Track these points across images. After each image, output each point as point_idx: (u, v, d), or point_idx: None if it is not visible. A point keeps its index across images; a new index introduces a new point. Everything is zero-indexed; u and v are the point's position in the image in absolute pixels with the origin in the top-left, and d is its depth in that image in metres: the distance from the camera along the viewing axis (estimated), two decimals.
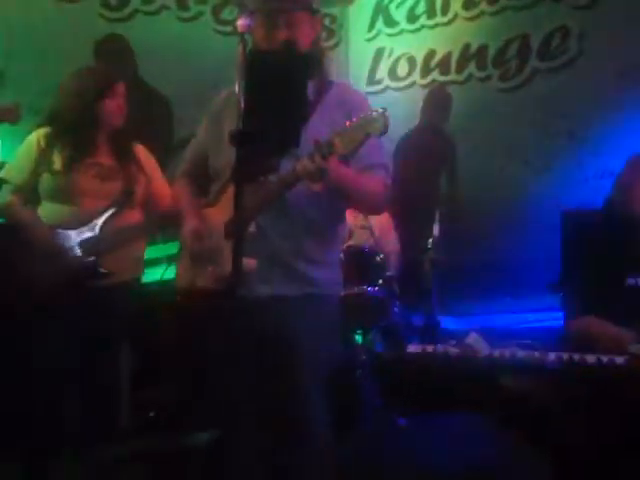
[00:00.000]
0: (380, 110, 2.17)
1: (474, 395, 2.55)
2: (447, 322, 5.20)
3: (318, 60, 2.44)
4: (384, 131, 2.17)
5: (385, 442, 3.70)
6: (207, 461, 3.17)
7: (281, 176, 2.28)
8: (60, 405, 3.19)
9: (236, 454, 2.43)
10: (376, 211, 2.84)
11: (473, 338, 2.53)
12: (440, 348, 2.61)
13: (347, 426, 3.55)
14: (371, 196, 2.46)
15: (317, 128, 2.29)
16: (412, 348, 2.59)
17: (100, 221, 3.19)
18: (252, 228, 2.29)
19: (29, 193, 3.25)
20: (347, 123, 2.17)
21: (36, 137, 3.24)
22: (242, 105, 1.92)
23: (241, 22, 2.11)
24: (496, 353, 2.54)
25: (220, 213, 2.43)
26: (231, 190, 2.36)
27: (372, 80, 5.93)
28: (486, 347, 2.53)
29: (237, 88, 2.48)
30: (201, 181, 2.66)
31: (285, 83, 1.81)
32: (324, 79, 2.50)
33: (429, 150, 5.54)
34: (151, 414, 4.22)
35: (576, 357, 2.53)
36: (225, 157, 2.42)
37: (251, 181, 1.93)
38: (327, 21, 5.85)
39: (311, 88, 2.36)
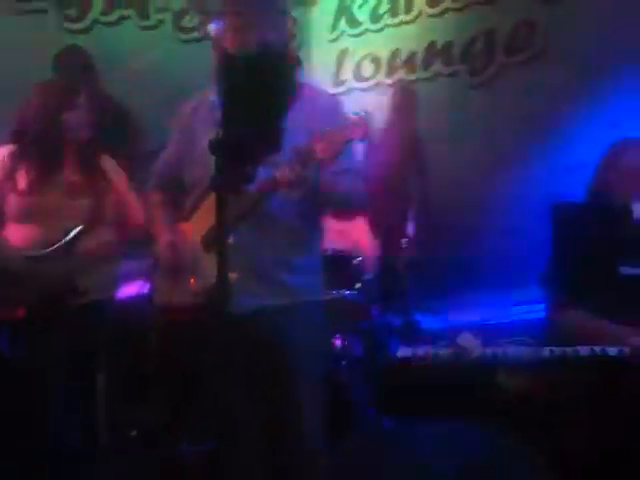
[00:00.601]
0: (362, 114, 2.11)
1: (469, 396, 2.50)
2: (426, 321, 5.19)
3: (296, 61, 2.38)
4: (366, 136, 2.12)
5: (375, 446, 3.66)
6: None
7: (259, 185, 2.22)
8: (39, 424, 3.11)
9: (224, 468, 2.37)
10: (349, 216, 2.80)
11: (465, 338, 2.49)
12: (430, 350, 2.57)
13: (336, 431, 3.51)
14: (345, 202, 2.41)
15: (293, 133, 2.24)
16: (402, 352, 2.55)
17: (70, 240, 3.10)
18: (231, 239, 2.23)
19: None
20: (327, 128, 2.11)
21: (0, 156, 3.15)
22: (219, 111, 1.85)
23: (212, 26, 2.06)
24: (489, 352, 2.51)
25: (197, 226, 2.37)
26: (207, 203, 2.32)
27: (337, 81, 5.90)
28: (478, 346, 2.49)
29: (212, 94, 2.44)
30: (173, 194, 2.60)
31: (263, 86, 1.75)
32: (296, 80, 2.44)
33: (398, 150, 5.50)
34: (132, 433, 4.15)
35: (569, 350, 2.50)
36: (199, 169, 2.36)
37: (230, 191, 1.87)
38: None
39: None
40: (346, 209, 2.56)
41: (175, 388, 3.76)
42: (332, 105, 2.45)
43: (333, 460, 2.81)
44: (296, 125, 2.28)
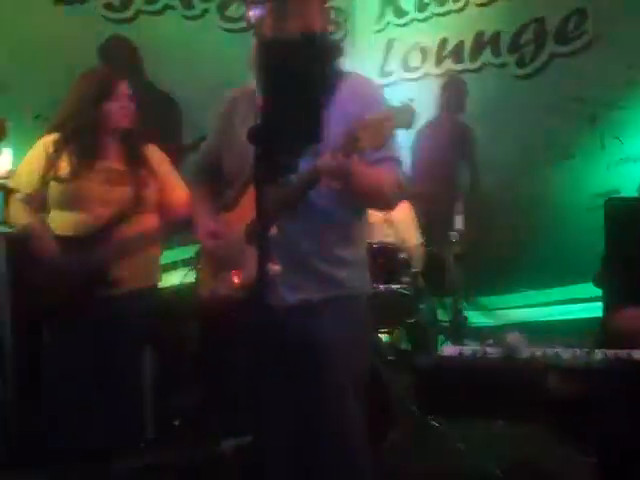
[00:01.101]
0: (407, 102, 2.04)
1: (516, 398, 2.41)
2: (474, 317, 5.11)
3: (337, 49, 2.30)
4: (411, 124, 2.05)
5: (418, 444, 3.61)
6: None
7: (302, 175, 2.17)
8: (82, 416, 3.10)
9: (269, 460, 2.32)
10: (388, 208, 2.72)
11: (514, 337, 2.41)
12: (478, 349, 2.49)
13: (379, 428, 3.46)
14: (384, 193, 2.33)
15: (334, 122, 2.18)
16: (448, 350, 2.48)
17: (110, 228, 3.10)
18: (274, 231, 2.18)
19: (39, 201, 3.17)
20: (370, 116, 2.04)
21: (43, 145, 3.16)
22: (258, 100, 1.80)
23: (252, 13, 2.01)
24: (539, 353, 2.41)
25: (239, 218, 2.32)
26: (249, 193, 2.27)
27: (384, 72, 5.83)
28: (527, 347, 2.40)
29: (253, 83, 2.40)
30: (216, 185, 2.55)
31: (304, 74, 1.68)
32: (338, 69, 2.39)
33: (447, 141, 5.42)
34: (175, 423, 4.16)
35: (623, 354, 2.41)
36: (240, 159, 2.31)
37: (270, 181, 1.81)
38: (332, 13, 5.75)
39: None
40: (382, 202, 2.50)
41: (215, 380, 3.75)
42: (374, 94, 2.38)
43: (374, 458, 2.76)
44: (338, 114, 2.23)
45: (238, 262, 2.27)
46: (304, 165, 2.09)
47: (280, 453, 2.32)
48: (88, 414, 3.10)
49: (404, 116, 2.03)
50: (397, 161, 2.36)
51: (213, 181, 2.54)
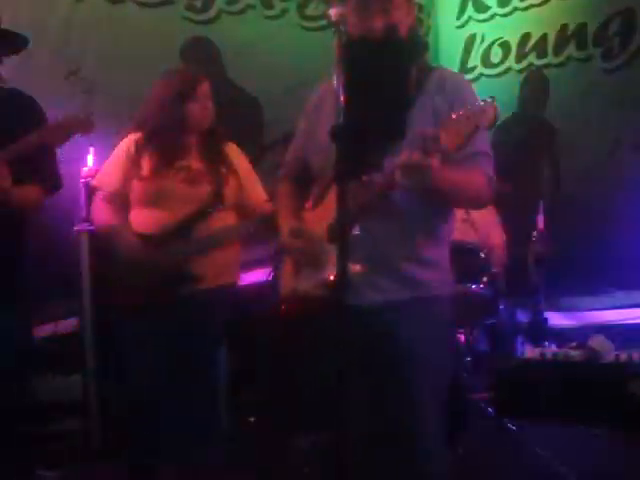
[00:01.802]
0: (489, 100, 2.00)
1: (597, 403, 2.34)
2: (554, 318, 4.98)
3: (422, 46, 2.28)
4: (493, 123, 2.00)
5: (495, 447, 3.55)
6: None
7: (384, 175, 2.14)
8: (158, 407, 3.16)
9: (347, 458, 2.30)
10: (477, 206, 2.67)
11: (598, 340, 2.33)
12: (560, 351, 2.42)
13: (455, 429, 3.41)
14: (471, 191, 2.28)
15: (419, 118, 2.14)
16: (529, 352, 2.42)
17: (191, 225, 3.14)
18: (356, 231, 2.16)
19: (121, 199, 3.23)
20: (453, 115, 2.00)
21: (126, 144, 3.24)
22: (341, 98, 1.78)
23: (334, 11, 1.99)
24: (623, 356, 2.33)
25: (323, 216, 2.29)
26: (333, 191, 2.27)
27: (465, 68, 5.75)
28: (612, 350, 2.32)
29: (335, 81, 2.39)
30: (302, 184, 2.54)
31: (388, 72, 1.67)
32: (423, 65, 2.35)
33: (529, 138, 5.30)
34: (251, 419, 4.18)
35: None
36: (324, 156, 2.30)
37: (354, 179, 1.79)
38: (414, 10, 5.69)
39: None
40: (470, 203, 2.44)
41: (293, 378, 3.76)
42: (459, 88, 2.33)
43: (451, 459, 2.72)
44: (423, 110, 2.20)
45: (319, 261, 2.26)
46: (387, 165, 2.07)
47: (358, 451, 2.30)
48: (166, 410, 3.14)
49: (486, 115, 1.98)
50: (488, 157, 2.30)
51: (302, 180, 2.54)
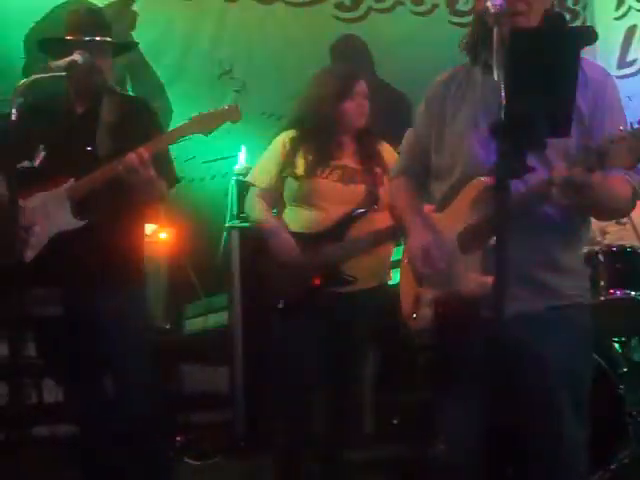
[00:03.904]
0: None
1: None
2: None
3: (588, 35, 2.10)
4: None
5: None
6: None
7: (532, 187, 1.99)
8: (306, 406, 3.20)
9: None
10: (620, 217, 2.48)
11: None
12: None
13: (608, 446, 3.23)
14: (619, 203, 2.10)
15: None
16: None
17: (345, 225, 3.13)
18: (492, 240, 2.04)
19: (274, 197, 3.26)
20: (621, 129, 1.81)
21: (282, 141, 3.24)
22: (502, 93, 1.68)
23: (494, 2, 1.90)
24: None
25: (450, 220, 2.17)
26: (464, 194, 2.14)
27: (624, 62, 5.47)
28: None
29: (463, 70, 2.26)
30: (422, 179, 2.36)
31: (556, 64, 1.56)
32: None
33: None
34: (394, 422, 4.15)
35: None
36: (452, 152, 2.19)
37: (511, 179, 1.68)
38: (570, 2, 5.48)
39: None
40: (614, 213, 2.28)
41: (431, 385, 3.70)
42: (605, 89, 2.12)
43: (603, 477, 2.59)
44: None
45: (449, 273, 2.14)
46: (534, 175, 1.91)
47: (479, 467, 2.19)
48: (311, 407, 3.18)
49: None
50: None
51: (421, 176, 2.37)
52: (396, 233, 3.19)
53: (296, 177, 3.17)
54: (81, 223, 2.86)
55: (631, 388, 3.55)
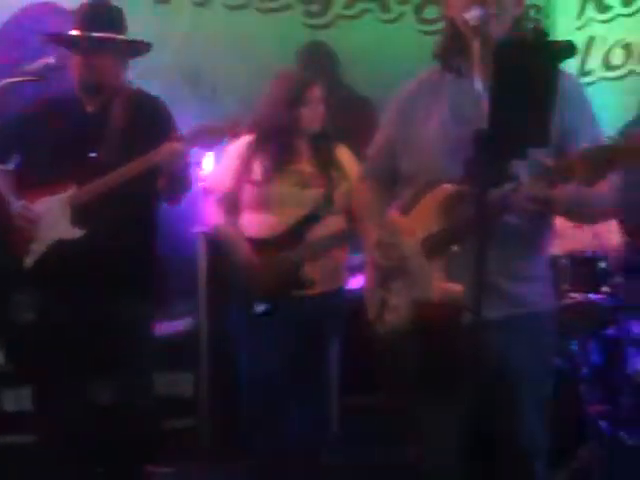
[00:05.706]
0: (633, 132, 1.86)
1: None
2: None
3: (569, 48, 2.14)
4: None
5: (612, 463, 3.43)
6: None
7: (497, 195, 2.02)
8: (274, 416, 3.22)
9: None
10: (599, 222, 2.53)
11: None
12: None
13: (568, 445, 3.33)
14: (599, 210, 2.17)
15: None
16: None
17: (301, 229, 3.16)
18: (455, 248, 2.06)
19: (232, 202, 3.27)
20: (592, 145, 1.86)
21: (238, 146, 3.27)
22: (485, 102, 1.72)
23: (473, 14, 1.95)
24: None
25: (414, 226, 2.19)
26: (429, 199, 2.15)
27: (583, 71, 5.56)
28: None
29: (432, 75, 2.30)
30: (389, 183, 2.39)
31: (538, 76, 1.61)
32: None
33: None
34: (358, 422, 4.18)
35: None
36: (420, 157, 2.21)
37: (486, 188, 1.72)
38: (532, 12, 5.56)
39: None
40: (594, 219, 2.33)
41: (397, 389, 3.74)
42: (584, 102, 2.19)
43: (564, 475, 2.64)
44: None
45: (415, 277, 2.16)
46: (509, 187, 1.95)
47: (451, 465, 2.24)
48: (279, 413, 3.21)
49: (632, 153, 1.77)
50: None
51: (387, 180, 2.39)
52: (351, 236, 3.24)
53: (253, 183, 3.19)
54: (80, 233, 2.83)
55: (590, 389, 3.64)
